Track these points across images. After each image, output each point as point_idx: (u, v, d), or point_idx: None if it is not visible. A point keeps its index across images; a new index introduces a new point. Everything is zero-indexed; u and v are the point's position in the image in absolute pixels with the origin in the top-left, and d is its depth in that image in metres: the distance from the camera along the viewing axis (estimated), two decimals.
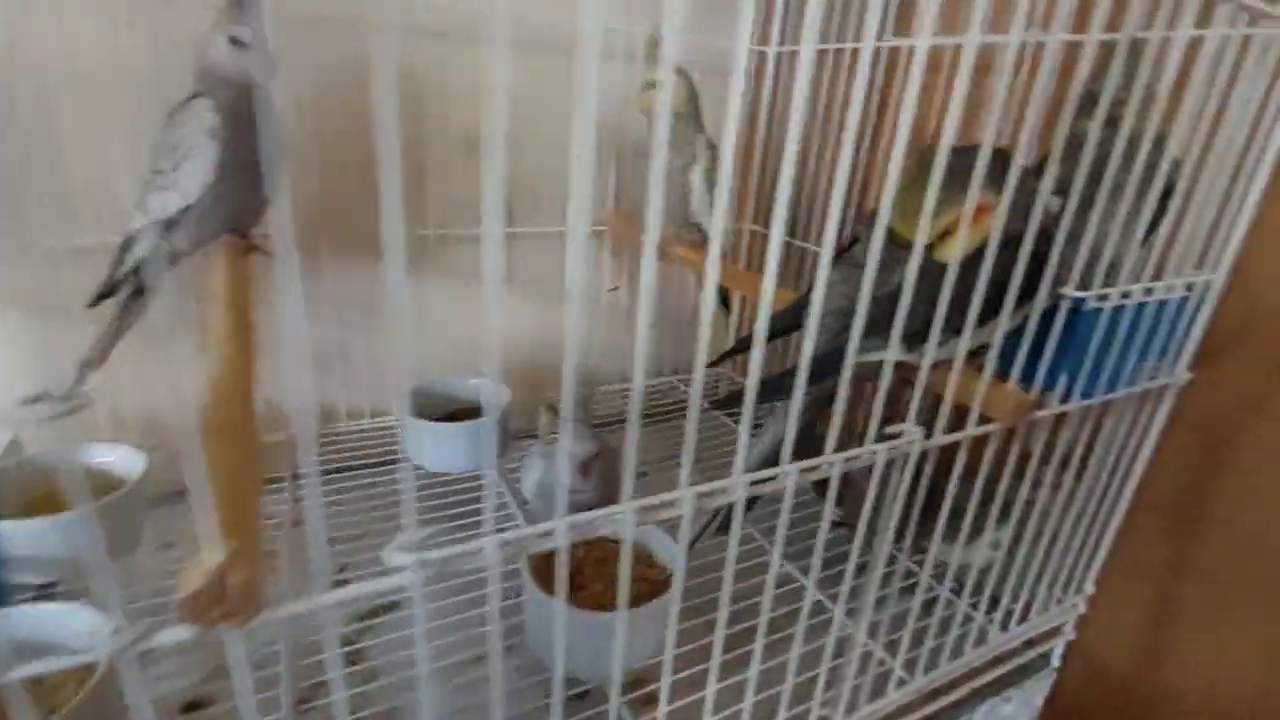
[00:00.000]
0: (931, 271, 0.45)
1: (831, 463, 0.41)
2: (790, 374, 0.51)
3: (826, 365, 0.50)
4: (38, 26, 0.71)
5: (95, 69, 0.75)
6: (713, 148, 0.84)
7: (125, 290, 0.72)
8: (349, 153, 0.88)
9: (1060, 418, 0.57)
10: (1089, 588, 0.76)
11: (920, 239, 0.47)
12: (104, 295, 0.71)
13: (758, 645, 0.49)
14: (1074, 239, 0.55)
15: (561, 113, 0.99)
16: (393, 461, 0.97)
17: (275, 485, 0.91)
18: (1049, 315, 0.51)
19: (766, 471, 0.40)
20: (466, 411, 0.98)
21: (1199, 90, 0.53)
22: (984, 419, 0.50)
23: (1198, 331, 0.63)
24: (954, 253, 0.48)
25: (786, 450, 0.42)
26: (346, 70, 0.85)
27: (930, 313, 0.44)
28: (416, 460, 0.93)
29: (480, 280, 0.99)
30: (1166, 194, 0.56)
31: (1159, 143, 0.54)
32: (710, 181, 0.83)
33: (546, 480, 0.76)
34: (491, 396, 0.97)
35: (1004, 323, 0.47)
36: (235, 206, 0.70)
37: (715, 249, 0.36)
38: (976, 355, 0.53)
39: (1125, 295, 0.52)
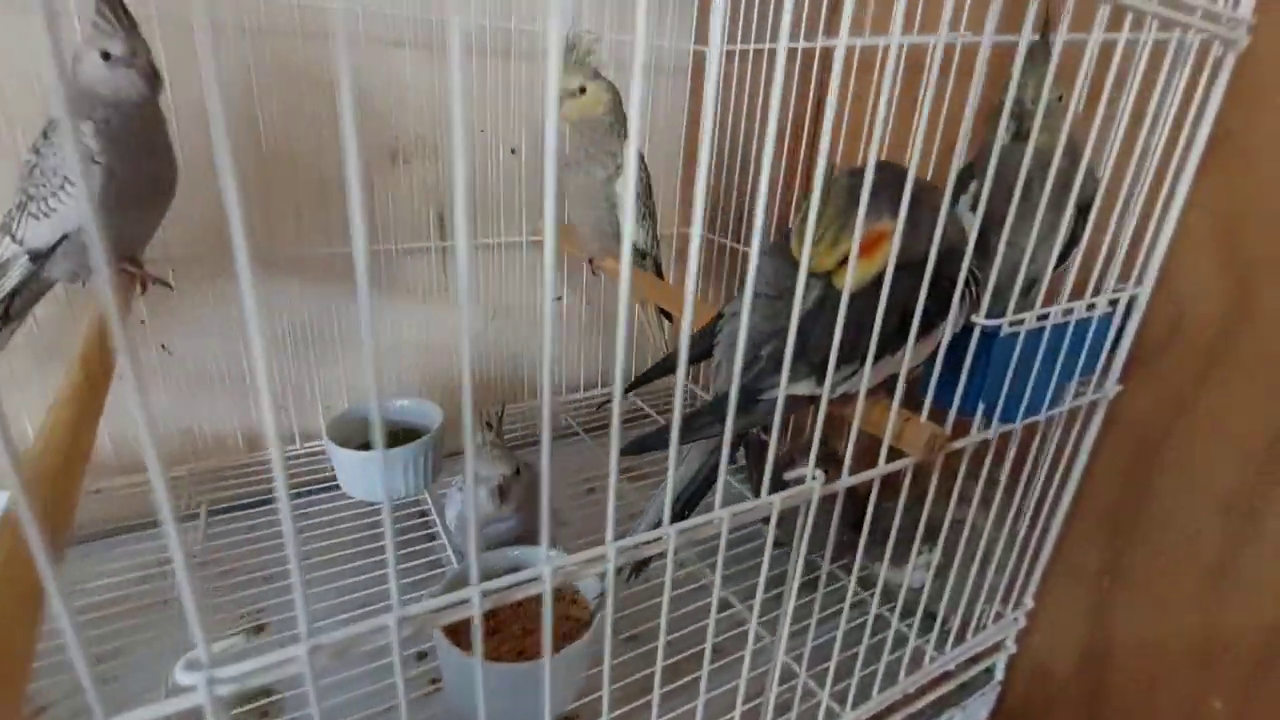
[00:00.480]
0: (834, 300, 0.42)
1: (721, 518, 0.38)
2: (700, 414, 0.48)
3: (738, 401, 0.48)
4: None
5: None
6: (640, 156, 0.80)
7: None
8: (259, 163, 0.84)
9: (983, 443, 0.55)
10: (1028, 602, 0.75)
11: (804, 263, 0.44)
12: None
13: (704, 679, 0.46)
14: (987, 258, 0.53)
15: (486, 117, 0.95)
16: (324, 488, 0.93)
17: (187, 521, 0.87)
18: (963, 341, 0.49)
19: (643, 535, 0.37)
20: (396, 434, 0.94)
21: (1113, 99, 0.50)
22: (897, 452, 0.48)
23: (1126, 344, 0.61)
24: (849, 281, 0.45)
25: (713, 490, 0.39)
26: (247, 73, 0.80)
27: (840, 342, 0.42)
28: (345, 488, 0.89)
29: (411, 297, 0.93)
30: (1085, 208, 0.54)
31: (1073, 154, 0.51)
32: (638, 193, 0.79)
33: (463, 515, 0.73)
34: (423, 418, 0.94)
35: (909, 353, 0.44)
36: (120, 235, 0.66)
37: (626, 269, 0.32)
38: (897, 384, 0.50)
39: (1043, 317, 0.50)
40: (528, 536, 0.70)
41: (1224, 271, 0.63)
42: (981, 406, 0.52)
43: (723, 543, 0.39)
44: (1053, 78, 0.49)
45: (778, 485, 0.41)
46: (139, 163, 0.62)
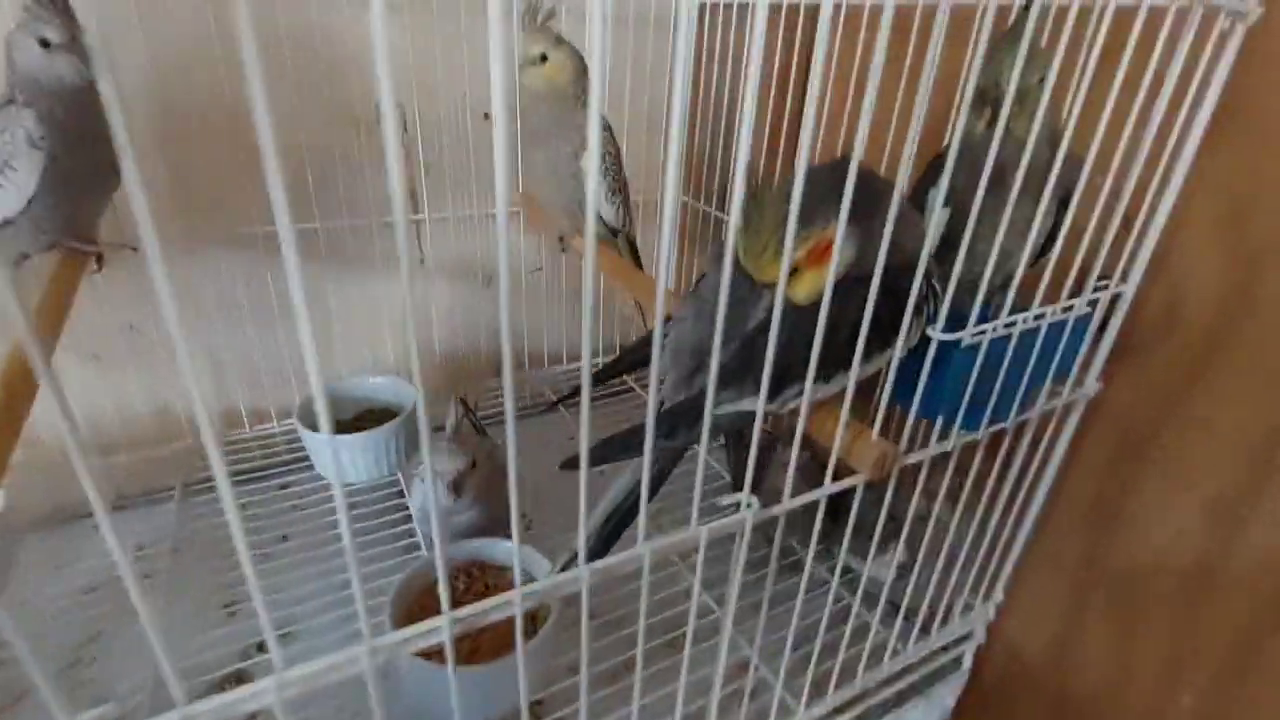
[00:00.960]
0: (786, 312, 0.39)
1: (642, 555, 0.36)
2: (637, 431, 0.46)
3: (680, 419, 0.46)
4: None
5: None
6: (606, 128, 0.76)
7: None
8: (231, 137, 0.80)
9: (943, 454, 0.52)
10: (999, 594, 0.74)
11: (755, 272, 0.41)
12: None
13: (683, 678, 0.46)
14: (956, 255, 0.50)
15: (455, 84, 0.90)
16: (305, 466, 0.93)
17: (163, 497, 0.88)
18: (921, 348, 0.45)
19: (561, 577, 0.35)
20: (373, 413, 0.94)
21: (1100, 76, 0.45)
22: (847, 469, 0.46)
23: (1108, 343, 0.58)
24: (802, 293, 0.42)
25: (638, 520, 0.37)
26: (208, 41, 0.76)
27: (789, 357, 0.39)
28: (319, 469, 0.89)
29: (388, 272, 0.89)
30: (1065, 199, 0.50)
31: (1053, 139, 0.47)
32: (604, 165, 0.75)
33: (425, 506, 0.73)
34: (397, 397, 0.93)
35: (856, 370, 0.41)
36: (68, 214, 0.65)
37: (590, 247, 0.30)
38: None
39: (1010, 325, 0.47)
40: (490, 527, 0.70)
41: (1228, 258, 0.58)
42: (943, 417, 0.49)
43: (645, 583, 0.37)
44: (1029, 56, 0.44)
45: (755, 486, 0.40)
46: (83, 147, 0.60)
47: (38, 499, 0.83)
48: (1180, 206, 0.59)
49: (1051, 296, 0.50)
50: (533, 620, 0.61)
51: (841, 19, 0.77)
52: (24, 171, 0.60)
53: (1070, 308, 0.50)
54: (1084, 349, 0.55)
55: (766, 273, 0.42)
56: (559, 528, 0.82)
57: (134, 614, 0.26)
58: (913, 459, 0.49)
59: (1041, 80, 0.47)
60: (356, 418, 0.93)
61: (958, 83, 0.51)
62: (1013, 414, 0.52)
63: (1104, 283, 0.53)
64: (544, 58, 0.71)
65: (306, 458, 0.91)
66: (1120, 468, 0.69)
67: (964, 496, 0.58)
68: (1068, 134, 0.45)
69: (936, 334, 0.44)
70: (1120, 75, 0.44)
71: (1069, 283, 0.50)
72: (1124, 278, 0.54)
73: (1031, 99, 0.47)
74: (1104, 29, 0.41)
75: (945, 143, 0.51)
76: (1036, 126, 0.44)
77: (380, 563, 0.78)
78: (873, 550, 0.59)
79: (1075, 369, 0.56)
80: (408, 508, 0.85)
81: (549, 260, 1.08)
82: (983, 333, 0.45)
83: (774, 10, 0.85)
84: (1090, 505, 0.72)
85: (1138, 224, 0.52)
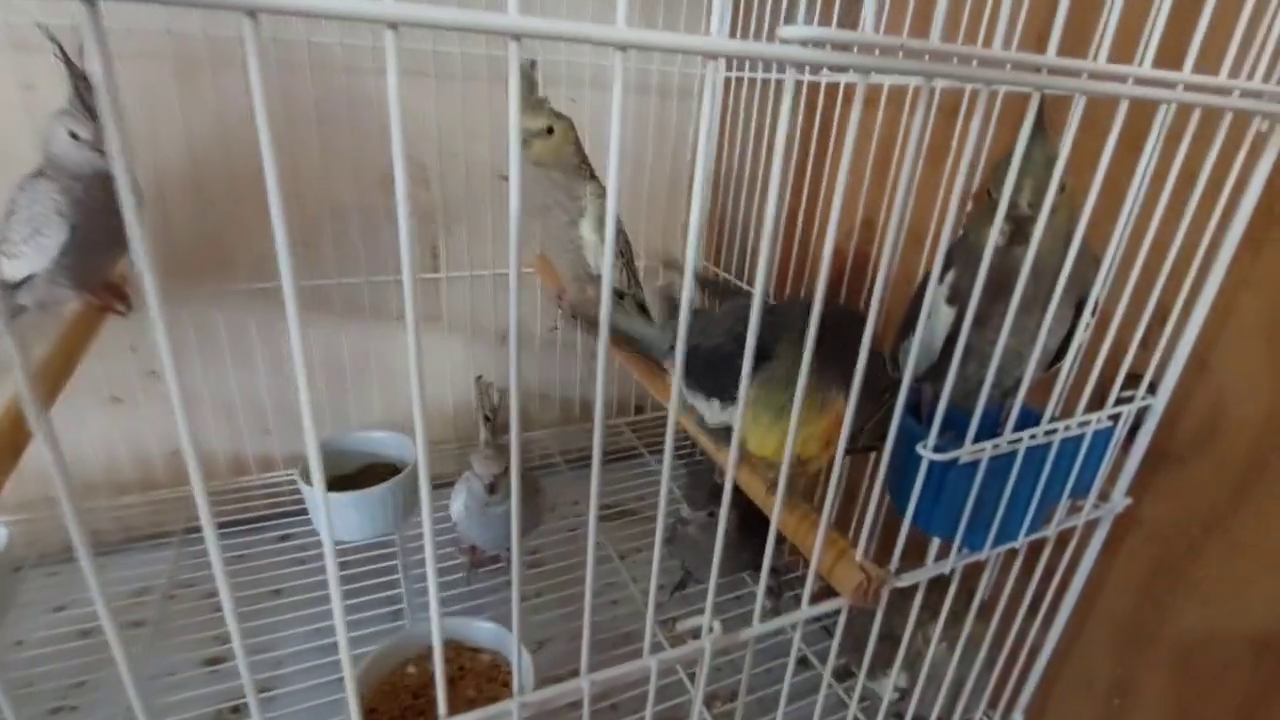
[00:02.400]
0: None
1: (581, 688, 0.33)
2: None
3: None
4: None
5: None
6: (604, 195, 0.75)
7: None
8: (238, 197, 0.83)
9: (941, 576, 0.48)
10: (1018, 717, 0.67)
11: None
12: None
13: None
14: (965, 360, 0.46)
15: (475, 147, 0.91)
16: (301, 519, 0.93)
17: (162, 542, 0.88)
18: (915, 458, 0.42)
19: (492, 709, 0.33)
20: (377, 468, 0.93)
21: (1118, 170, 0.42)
22: (830, 590, 0.42)
23: (1137, 457, 0.52)
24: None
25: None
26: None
27: None
28: (316, 525, 0.89)
29: (400, 327, 0.90)
30: (1080, 304, 0.46)
31: (1065, 238, 0.43)
32: (602, 233, 0.74)
33: (468, 503, 0.74)
34: (399, 451, 0.92)
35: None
36: (84, 272, 0.70)
37: (604, 325, 0.29)
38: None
39: (1014, 441, 0.43)
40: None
41: (1275, 366, 0.53)
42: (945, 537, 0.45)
43: (585, 712, 0.34)
44: (1046, 162, 0.42)
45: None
46: (102, 219, 0.66)
47: (47, 535, 0.85)
48: (1222, 309, 0.54)
49: (1071, 405, 0.46)
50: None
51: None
52: (51, 238, 0.65)
53: (1087, 422, 0.45)
54: (1106, 464, 0.50)
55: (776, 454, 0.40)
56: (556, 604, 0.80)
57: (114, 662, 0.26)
58: (905, 581, 0.44)
59: (1064, 189, 0.44)
60: (360, 471, 0.93)
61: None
62: (1023, 532, 0.47)
63: (1129, 394, 0.49)
64: (550, 130, 0.71)
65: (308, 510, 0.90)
66: (1157, 589, 0.62)
67: (970, 618, 0.53)
68: (1078, 232, 0.41)
69: (927, 453, 0.40)
70: (1144, 179, 0.40)
71: (1087, 391, 0.46)
72: (1153, 389, 0.49)
73: (1056, 214, 0.44)
74: (1164, 128, 0.38)
75: (954, 237, 0.48)
76: (1076, 243, 0.40)
77: (366, 629, 0.76)
78: (862, 671, 0.54)
79: (1097, 485, 0.50)
80: (398, 570, 0.83)
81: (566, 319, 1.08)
82: (981, 450, 0.41)
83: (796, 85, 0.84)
84: (1125, 625, 0.65)
85: (1166, 331, 0.48)
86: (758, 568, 0.68)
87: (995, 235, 0.38)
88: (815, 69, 0.80)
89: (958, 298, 0.46)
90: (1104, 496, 0.54)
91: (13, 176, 0.64)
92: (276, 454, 0.97)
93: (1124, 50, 0.40)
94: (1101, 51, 0.35)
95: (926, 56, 0.27)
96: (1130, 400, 0.48)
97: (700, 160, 0.29)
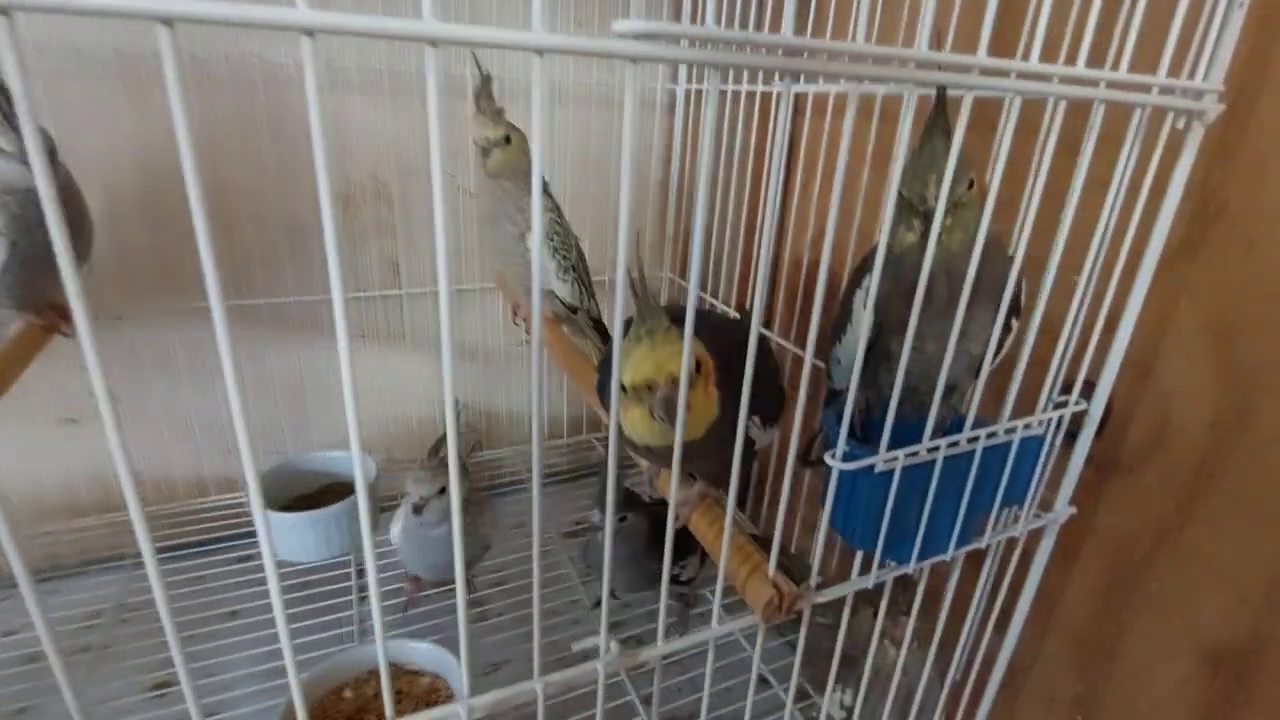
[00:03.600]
0: None
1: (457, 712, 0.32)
2: None
3: None
4: None
5: None
6: (554, 209, 0.74)
7: None
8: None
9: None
10: None
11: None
12: None
13: None
14: (888, 367, 0.45)
15: (457, 160, 0.91)
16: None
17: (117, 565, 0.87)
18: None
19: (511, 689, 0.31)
20: (335, 488, 0.92)
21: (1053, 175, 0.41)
22: (741, 604, 0.41)
23: (1078, 465, 0.51)
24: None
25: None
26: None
27: None
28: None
29: (363, 345, 0.88)
30: (1012, 311, 0.45)
31: (992, 246, 0.42)
32: (551, 247, 0.74)
33: (405, 526, 0.73)
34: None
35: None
36: (28, 292, 0.69)
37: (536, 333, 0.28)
38: None
39: (932, 449, 0.41)
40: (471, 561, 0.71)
41: (1219, 372, 0.52)
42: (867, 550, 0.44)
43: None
44: (957, 166, 0.41)
45: None
46: (40, 235, 0.64)
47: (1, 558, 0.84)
48: (1161, 315, 0.53)
49: (1013, 411, 0.45)
50: None
51: (810, 104, 0.75)
52: None
53: (1013, 429, 0.44)
54: (1040, 472, 0.48)
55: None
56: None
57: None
58: (826, 596, 0.43)
59: (972, 186, 0.43)
60: (321, 491, 0.92)
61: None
62: (952, 544, 0.46)
63: (1063, 398, 0.47)
64: (508, 139, 0.71)
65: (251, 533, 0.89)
66: (1114, 600, 0.60)
67: (907, 632, 0.51)
68: (1021, 239, 0.40)
69: (836, 463, 0.38)
70: (1038, 176, 0.39)
71: (1010, 398, 0.45)
72: (1086, 394, 0.48)
73: (966, 210, 0.43)
74: (1058, 123, 0.37)
75: (874, 242, 0.47)
76: (980, 240, 0.40)
77: (318, 650, 0.75)
78: (828, 689, 0.52)
79: (1034, 493, 0.49)
80: (351, 591, 0.82)
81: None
82: (894, 459, 0.40)
83: (749, 96, 0.84)
84: (1083, 639, 0.63)
85: (1094, 337, 0.46)
86: (674, 580, 0.67)
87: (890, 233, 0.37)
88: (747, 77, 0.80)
89: (876, 303, 0.45)
90: (1046, 505, 0.52)
91: None
92: (238, 474, 0.96)
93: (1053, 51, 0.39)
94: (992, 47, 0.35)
95: (780, 51, 0.27)
96: (1065, 405, 0.47)
97: (624, 171, 0.28)
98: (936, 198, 0.41)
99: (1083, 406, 0.48)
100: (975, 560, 0.53)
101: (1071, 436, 0.51)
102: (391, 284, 0.96)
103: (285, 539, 0.82)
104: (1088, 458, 0.52)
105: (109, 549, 0.89)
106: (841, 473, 0.39)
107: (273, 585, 0.28)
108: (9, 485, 0.86)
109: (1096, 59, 0.38)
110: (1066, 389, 0.48)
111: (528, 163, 0.72)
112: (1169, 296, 0.53)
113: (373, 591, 0.30)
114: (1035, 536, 0.54)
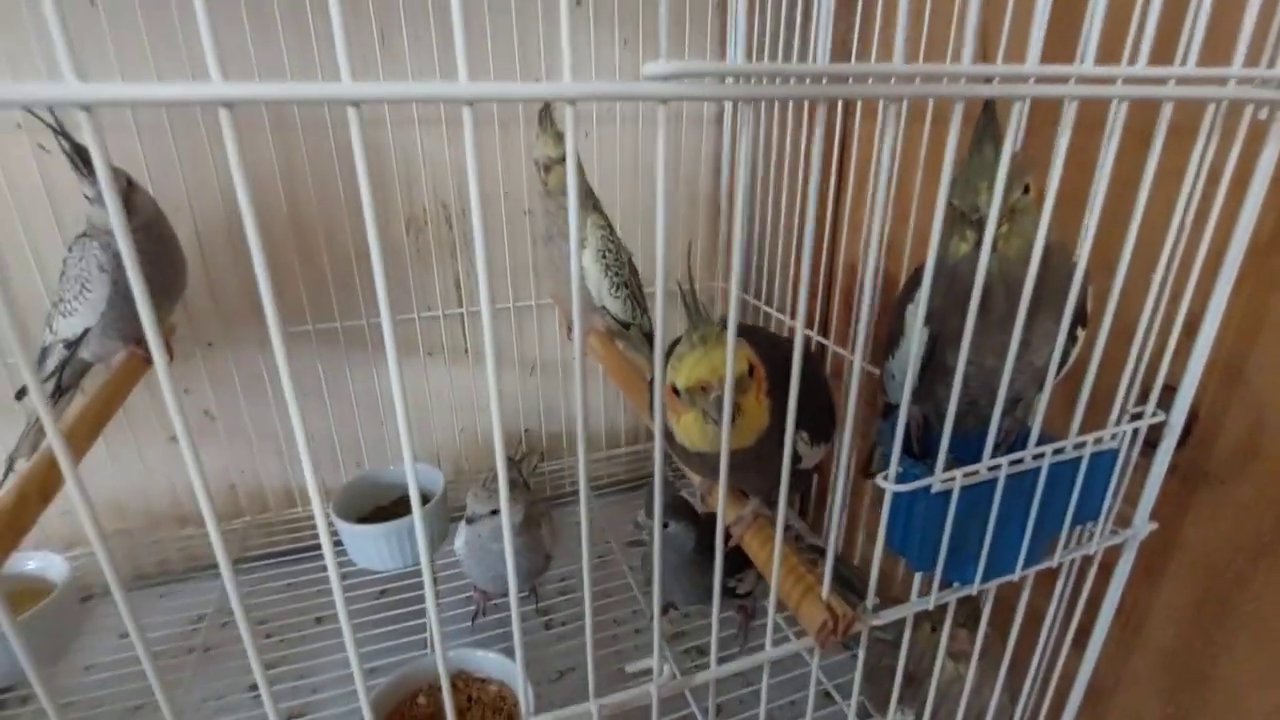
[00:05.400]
0: None
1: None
2: None
3: None
4: None
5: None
6: (606, 226, 0.76)
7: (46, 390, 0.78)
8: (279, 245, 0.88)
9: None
10: None
11: None
12: (23, 393, 0.78)
13: None
14: (944, 381, 0.44)
15: (491, 185, 0.95)
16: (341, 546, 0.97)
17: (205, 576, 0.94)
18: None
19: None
20: (406, 501, 0.97)
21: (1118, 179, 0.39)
22: (798, 629, 0.40)
23: (1157, 479, 0.48)
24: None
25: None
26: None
27: None
28: (352, 556, 0.92)
29: (434, 362, 0.92)
30: (1078, 319, 0.43)
31: (1055, 254, 0.41)
32: (604, 264, 0.75)
33: (468, 539, 0.76)
34: (429, 484, 0.95)
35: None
36: (130, 325, 0.75)
37: (578, 343, 0.30)
38: None
39: (993, 468, 0.40)
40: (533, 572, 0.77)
41: None
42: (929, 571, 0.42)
43: None
44: (1010, 172, 0.39)
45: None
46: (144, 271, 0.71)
47: (119, 566, 0.92)
48: (1251, 315, 0.49)
49: (1086, 425, 0.43)
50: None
51: (860, 106, 0.73)
52: (96, 292, 0.70)
53: (1083, 444, 0.42)
54: (1115, 488, 0.46)
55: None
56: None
57: (175, 686, 0.28)
58: (883, 619, 0.42)
59: (1028, 191, 0.41)
60: (395, 502, 0.96)
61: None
62: (1019, 565, 0.44)
63: (1139, 409, 0.45)
64: (565, 159, 0.73)
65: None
66: (1205, 620, 0.56)
67: (976, 645, 0.49)
68: (1085, 245, 0.38)
69: (889, 485, 0.38)
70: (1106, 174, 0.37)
71: (1079, 412, 0.42)
72: (1166, 403, 0.45)
73: (1023, 216, 0.41)
74: (1119, 126, 0.35)
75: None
76: (1039, 245, 0.38)
77: (396, 655, 0.79)
78: (892, 710, 0.51)
79: (1108, 510, 0.47)
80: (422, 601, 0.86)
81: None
82: (952, 479, 0.39)
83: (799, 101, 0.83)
84: (1173, 661, 0.59)
85: (1171, 340, 0.44)
86: (730, 593, 0.66)
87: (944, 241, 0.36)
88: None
89: (930, 316, 0.44)
90: (1124, 521, 0.49)
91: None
92: (328, 487, 1.02)
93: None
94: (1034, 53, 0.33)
95: (809, 79, 0.27)
96: (1139, 418, 0.44)
97: (659, 210, 0.29)
98: (989, 205, 0.40)
99: (1161, 418, 0.45)
100: (1048, 575, 0.51)
101: (1152, 446, 0.48)
102: (455, 301, 1.00)
103: (361, 549, 0.87)
104: (1171, 468, 0.49)
105: (211, 557, 0.96)
106: (897, 493, 0.38)
107: (337, 594, 0.30)
108: (125, 497, 0.95)
109: (1164, 55, 0.36)
110: (1144, 397, 0.45)
111: (586, 180, 0.75)
112: (1259, 294, 0.49)
113: (429, 603, 0.32)
114: (1114, 552, 0.51)
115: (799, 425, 0.36)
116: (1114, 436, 0.43)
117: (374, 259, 0.26)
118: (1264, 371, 0.50)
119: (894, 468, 0.38)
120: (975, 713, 0.54)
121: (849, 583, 0.58)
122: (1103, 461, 0.43)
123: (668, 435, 0.45)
